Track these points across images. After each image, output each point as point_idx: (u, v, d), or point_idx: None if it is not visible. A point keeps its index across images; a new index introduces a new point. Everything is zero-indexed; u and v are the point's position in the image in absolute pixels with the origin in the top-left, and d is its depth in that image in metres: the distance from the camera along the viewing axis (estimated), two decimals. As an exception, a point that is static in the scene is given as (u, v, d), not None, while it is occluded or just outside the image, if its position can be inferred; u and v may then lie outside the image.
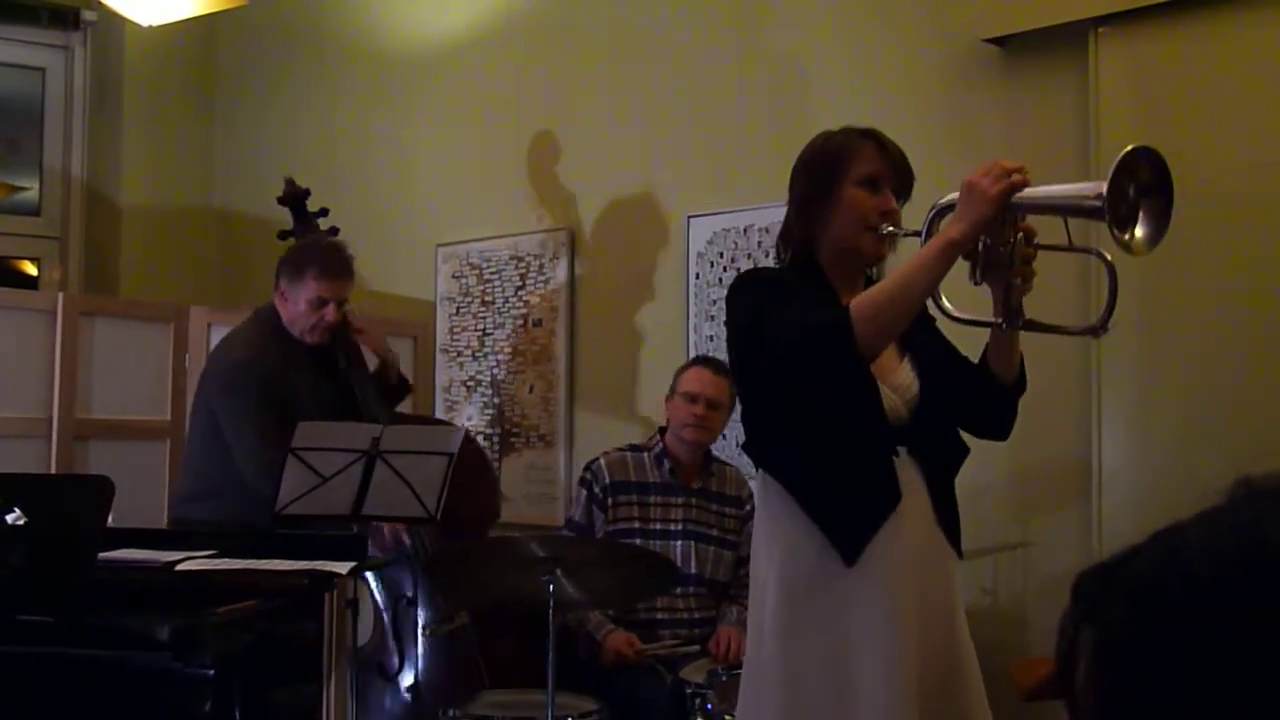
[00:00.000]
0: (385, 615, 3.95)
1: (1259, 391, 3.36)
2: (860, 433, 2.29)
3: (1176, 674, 0.72)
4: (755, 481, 2.44)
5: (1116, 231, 2.02)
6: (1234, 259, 3.41)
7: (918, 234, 2.31)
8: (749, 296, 2.40)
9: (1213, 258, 3.42)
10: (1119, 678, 0.75)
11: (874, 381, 2.28)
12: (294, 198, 4.21)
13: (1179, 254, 3.48)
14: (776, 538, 2.36)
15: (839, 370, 2.20)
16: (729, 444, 4.23)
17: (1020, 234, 2.20)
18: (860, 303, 2.19)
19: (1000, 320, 2.27)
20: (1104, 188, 2.00)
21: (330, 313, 3.86)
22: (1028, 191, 2.14)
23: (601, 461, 3.93)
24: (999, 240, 2.19)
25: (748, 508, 3.87)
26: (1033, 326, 2.28)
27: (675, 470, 3.89)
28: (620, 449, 3.98)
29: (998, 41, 3.82)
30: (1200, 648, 0.71)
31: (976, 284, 2.24)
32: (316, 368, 4.01)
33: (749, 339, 2.38)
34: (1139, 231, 2.05)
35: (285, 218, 4.23)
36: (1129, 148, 2.03)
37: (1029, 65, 3.82)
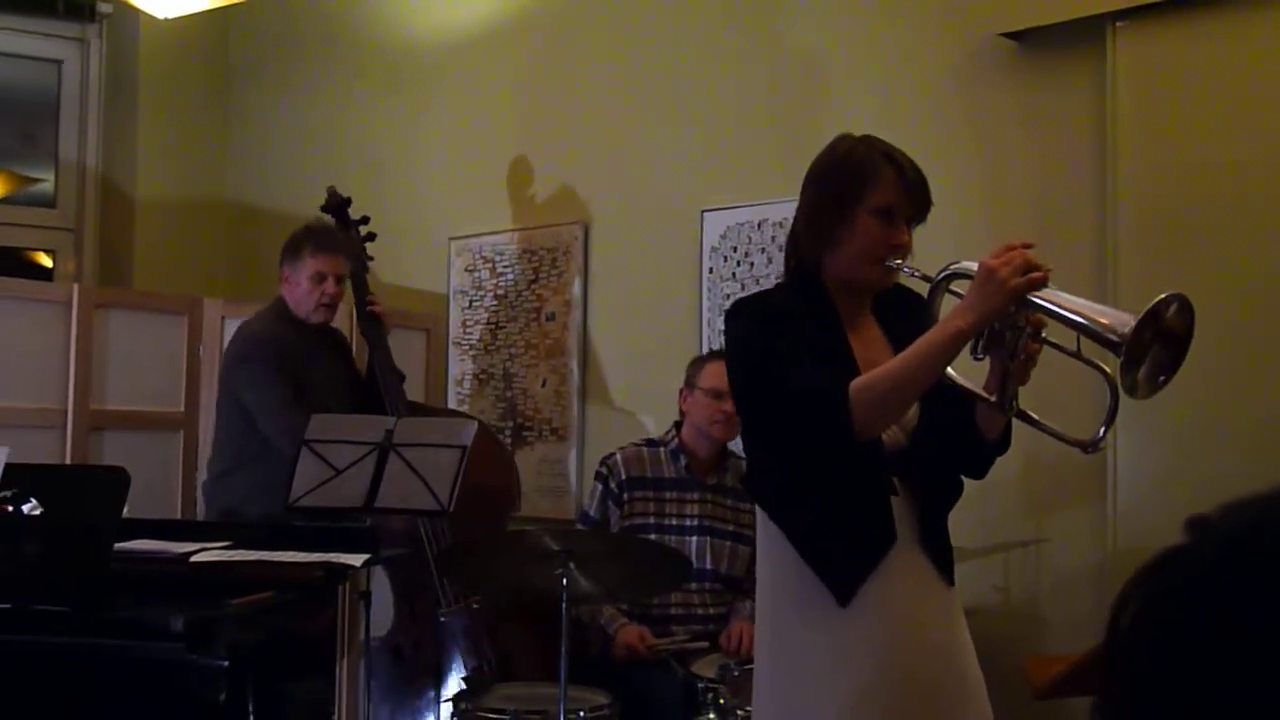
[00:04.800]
0: (401, 603, 3.97)
1: (1273, 387, 3.35)
2: (857, 479, 2.26)
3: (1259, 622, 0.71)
4: (757, 515, 2.42)
5: (1125, 372, 1.93)
6: (1250, 256, 3.40)
7: (927, 279, 2.23)
8: (748, 332, 2.34)
9: (1228, 254, 3.40)
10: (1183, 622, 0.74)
11: (872, 443, 2.24)
12: (337, 206, 4.34)
13: (1194, 249, 3.48)
14: (772, 571, 2.35)
15: (832, 447, 2.19)
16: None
17: (1029, 328, 2.10)
18: (861, 390, 2.13)
19: (993, 398, 2.18)
20: (1130, 327, 1.90)
21: (330, 287, 4.04)
22: (1046, 294, 2.03)
23: (618, 456, 3.92)
24: (1006, 326, 2.11)
25: None
26: (1024, 418, 2.20)
27: (691, 466, 3.88)
28: (636, 444, 3.97)
29: (1015, 36, 3.80)
30: None
31: (977, 359, 2.16)
32: (331, 352, 4.16)
33: (748, 378, 2.35)
34: (1141, 373, 1.96)
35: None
36: (1164, 295, 1.93)
37: (1046, 60, 3.80)
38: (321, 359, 4.08)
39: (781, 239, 4.16)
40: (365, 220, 4.38)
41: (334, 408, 3.83)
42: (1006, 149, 3.89)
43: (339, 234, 4.20)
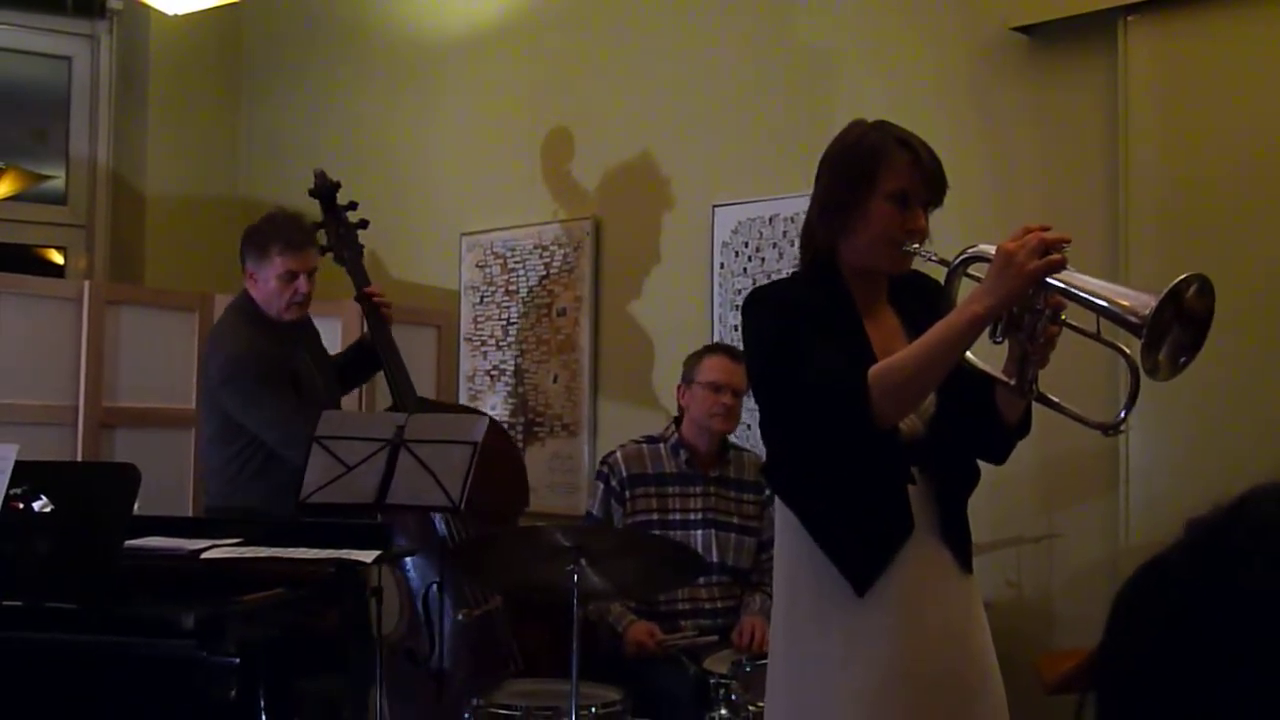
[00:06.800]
0: (415, 601, 3.96)
1: (1289, 383, 3.34)
2: (875, 469, 2.26)
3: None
4: (775, 505, 2.42)
5: (1146, 353, 1.91)
6: (1262, 248, 3.38)
7: (944, 263, 2.21)
8: (764, 322, 2.33)
9: (1240, 246, 3.39)
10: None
11: (890, 432, 2.23)
12: (325, 191, 4.20)
13: (1206, 242, 3.46)
14: (788, 562, 2.35)
15: (849, 435, 2.18)
16: (751, 433, 4.22)
17: (1048, 310, 2.08)
18: (880, 376, 2.12)
19: (1012, 381, 2.17)
20: (1150, 308, 1.88)
21: (302, 285, 3.85)
22: (1065, 276, 2.01)
23: (618, 455, 3.91)
24: (1025, 308, 2.09)
25: (767, 492, 3.84)
26: (1044, 401, 2.18)
27: (692, 460, 3.88)
28: (636, 440, 3.96)
29: (1026, 30, 3.79)
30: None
31: (996, 342, 2.15)
32: (307, 344, 4.00)
33: (765, 368, 2.34)
34: (1162, 354, 1.94)
35: (311, 208, 4.22)
36: (1184, 275, 1.91)
37: (1057, 54, 3.79)
38: (301, 354, 3.91)
39: (793, 234, 4.16)
40: (353, 206, 4.23)
41: (323, 401, 3.77)
42: (1018, 143, 3.88)
43: (306, 224, 3.97)
